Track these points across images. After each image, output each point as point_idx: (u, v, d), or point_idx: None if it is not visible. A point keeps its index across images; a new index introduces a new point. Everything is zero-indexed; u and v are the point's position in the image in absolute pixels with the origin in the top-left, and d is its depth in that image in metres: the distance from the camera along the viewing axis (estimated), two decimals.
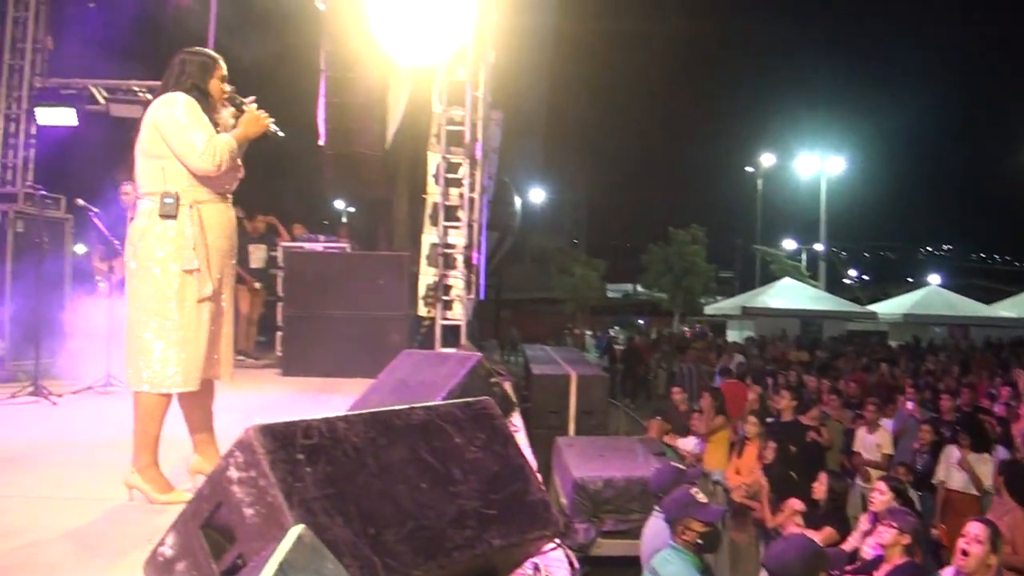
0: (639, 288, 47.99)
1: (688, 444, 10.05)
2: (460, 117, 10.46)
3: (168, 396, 3.94)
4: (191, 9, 12.37)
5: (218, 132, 4.02)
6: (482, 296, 11.84)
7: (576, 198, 59.97)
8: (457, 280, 10.32)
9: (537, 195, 44.86)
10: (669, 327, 37.92)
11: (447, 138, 10.39)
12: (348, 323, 9.64)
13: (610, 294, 50.49)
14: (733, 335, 29.87)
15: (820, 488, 6.82)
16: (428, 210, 10.54)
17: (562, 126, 51.09)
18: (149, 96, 11.86)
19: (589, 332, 36.49)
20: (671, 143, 65.38)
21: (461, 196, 10.40)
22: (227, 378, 4.17)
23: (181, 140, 3.84)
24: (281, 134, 4.12)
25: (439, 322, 10.14)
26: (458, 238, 10.35)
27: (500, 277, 21.85)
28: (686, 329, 37.86)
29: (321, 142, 11.79)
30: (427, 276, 10.41)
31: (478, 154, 10.57)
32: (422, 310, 10.33)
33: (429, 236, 10.45)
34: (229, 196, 4.11)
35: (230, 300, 4.14)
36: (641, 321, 44.62)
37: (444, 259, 10.27)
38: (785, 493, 7.41)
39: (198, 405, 4.14)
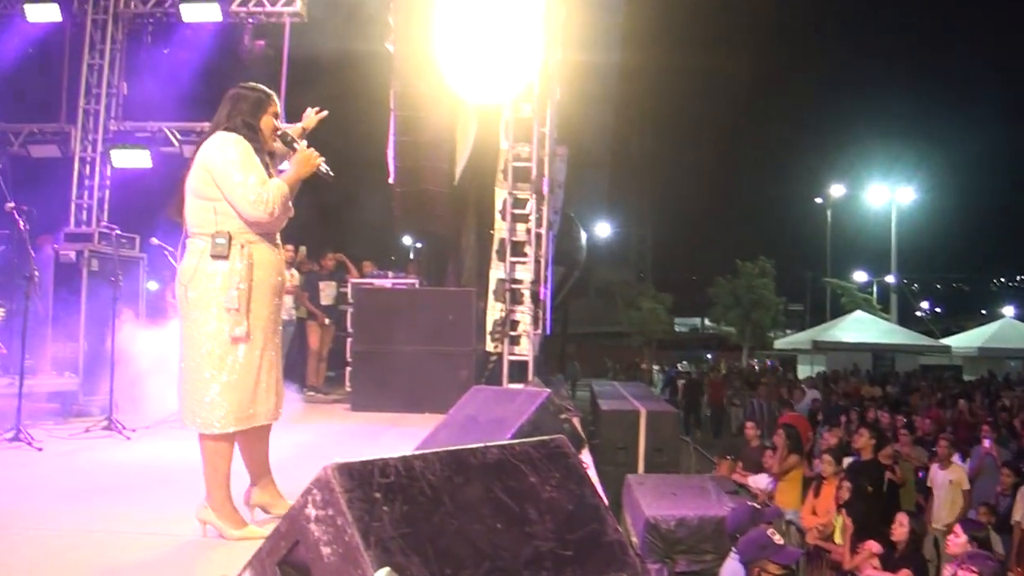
0: (707, 322, 47.43)
1: (760, 482, 9.85)
2: (527, 153, 10.51)
3: (230, 434, 3.92)
4: (264, 53, 12.80)
5: (270, 167, 4.03)
6: (548, 331, 11.71)
7: (641, 232, 59.63)
8: (524, 315, 10.31)
9: (603, 229, 44.87)
10: (738, 361, 37.41)
11: (514, 174, 10.45)
12: (417, 359, 9.67)
13: (677, 328, 50.08)
14: (804, 370, 29.35)
15: (900, 529, 6.62)
16: (495, 246, 10.57)
17: (627, 160, 51.17)
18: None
19: (657, 367, 36.16)
20: (738, 175, 64.47)
21: (528, 231, 10.41)
22: (278, 417, 4.13)
23: (233, 186, 3.83)
24: (331, 175, 4.09)
25: (506, 357, 10.11)
26: (525, 273, 10.35)
27: (566, 311, 21.81)
28: (755, 363, 37.29)
29: (391, 180, 11.92)
30: (494, 311, 10.40)
31: (544, 189, 10.56)
32: (489, 345, 10.30)
33: (496, 271, 10.46)
34: (278, 235, 4.10)
35: (277, 338, 4.10)
36: (709, 356, 44.10)
37: (511, 294, 10.25)
38: (862, 534, 7.19)
39: (256, 439, 4.13)
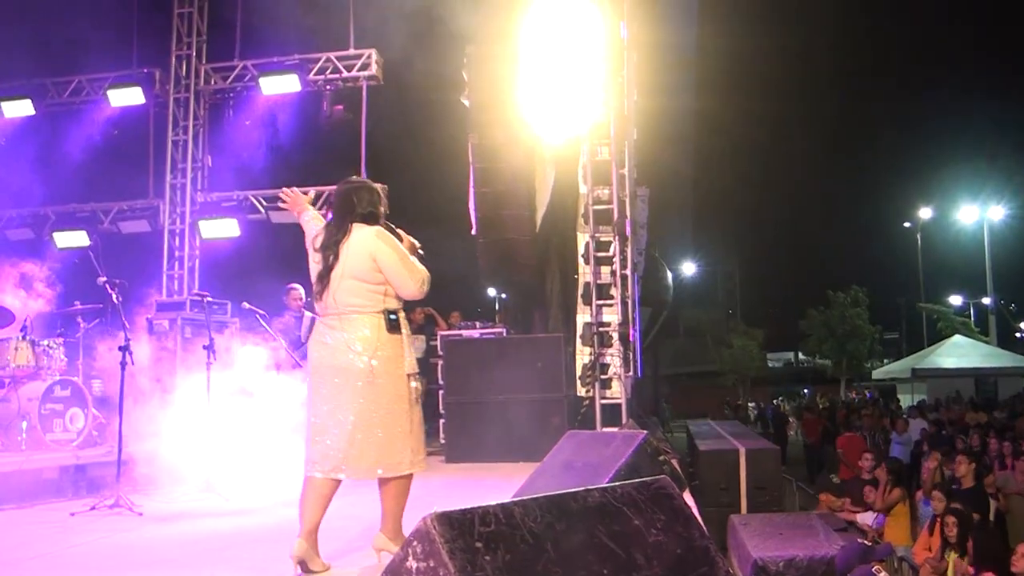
0: (801, 356, 46.33)
1: (868, 518, 9.51)
2: (607, 195, 10.48)
3: (410, 474, 4.39)
4: (344, 117, 13.04)
5: None
6: (640, 373, 11.71)
7: (728, 268, 58.37)
8: (614, 358, 10.22)
9: (688, 268, 44.43)
10: (835, 394, 36.45)
11: (595, 217, 10.42)
12: (508, 407, 9.70)
13: (771, 364, 49.08)
14: (905, 399, 28.40)
15: (1021, 561, 6.27)
16: (580, 290, 10.52)
17: (709, 196, 50.40)
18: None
19: (752, 404, 35.44)
20: (822, 204, 63.43)
21: (612, 274, 10.35)
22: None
23: (400, 273, 4.32)
24: (422, 253, 4.60)
25: (598, 401, 10.04)
26: (612, 316, 10.26)
27: (656, 353, 21.49)
28: (853, 395, 36.26)
29: (473, 231, 12.02)
30: (583, 356, 10.37)
31: (627, 231, 10.55)
32: (581, 390, 10.27)
33: (583, 316, 10.42)
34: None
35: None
36: (805, 390, 43.04)
37: (599, 337, 10.18)
38: (979, 567, 6.86)
39: (403, 490, 4.44)
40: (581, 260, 10.53)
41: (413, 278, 4.35)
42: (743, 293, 59.99)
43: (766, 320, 48.81)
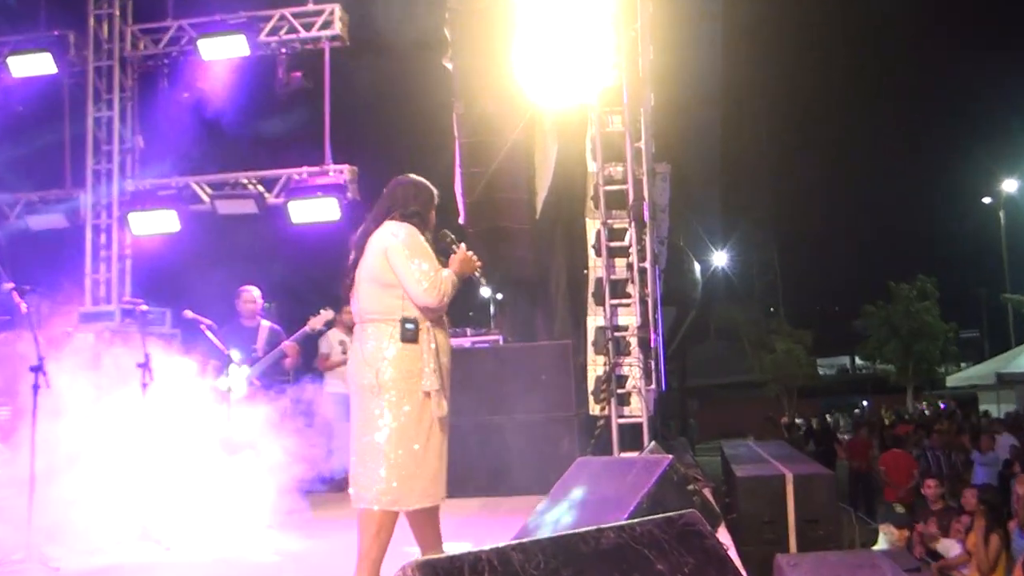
0: (858, 360, 46.20)
1: (952, 548, 9.56)
2: (620, 174, 10.51)
3: (397, 513, 4.65)
4: (302, 86, 12.98)
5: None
6: (664, 386, 11.88)
7: (766, 257, 57.19)
8: (633, 368, 10.23)
9: (719, 258, 44.34)
10: (901, 405, 36.45)
11: (607, 200, 10.45)
12: (508, 430, 9.74)
13: (821, 371, 48.78)
14: (989, 409, 28.38)
15: None
16: (591, 287, 10.56)
17: (743, 173, 50.23)
18: (260, 188, 12.70)
19: (800, 420, 35.20)
20: (879, 181, 62.44)
21: (629, 267, 10.35)
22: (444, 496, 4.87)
23: (408, 272, 4.59)
24: (484, 282, 5.11)
25: (615, 420, 10.07)
26: (629, 318, 10.32)
27: (683, 361, 21.68)
28: (923, 407, 36.28)
29: (461, 220, 12.03)
30: (596, 367, 10.37)
31: (645, 216, 10.53)
32: (594, 408, 10.29)
33: (595, 319, 10.44)
34: (445, 318, 4.87)
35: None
36: (865, 402, 42.97)
37: (615, 344, 10.21)
38: None
39: (428, 522, 4.85)
40: (591, 252, 10.52)
41: (421, 277, 4.59)
42: (786, 287, 58.55)
43: (815, 318, 48.21)
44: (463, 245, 4.94)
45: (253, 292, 9.43)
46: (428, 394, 4.64)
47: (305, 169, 12.50)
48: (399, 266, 4.62)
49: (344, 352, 10.81)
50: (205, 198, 13.19)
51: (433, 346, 4.67)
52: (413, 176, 5.01)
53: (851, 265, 55.00)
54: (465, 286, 4.98)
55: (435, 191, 4.99)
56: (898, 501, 14.11)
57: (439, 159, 12.13)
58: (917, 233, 56.71)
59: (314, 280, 12.37)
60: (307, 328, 9.13)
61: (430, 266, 4.66)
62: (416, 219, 4.78)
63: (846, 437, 24.17)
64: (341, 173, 12.20)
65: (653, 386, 10.54)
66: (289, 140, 12.74)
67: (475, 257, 4.93)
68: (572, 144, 11.25)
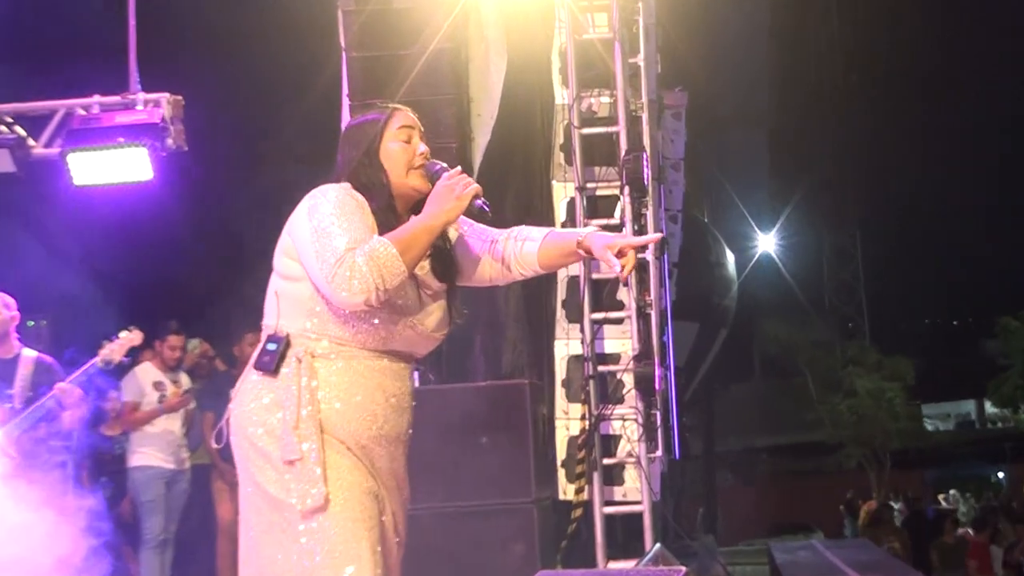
0: (989, 407, 45.31)
1: None
2: (606, 108, 10.58)
3: None
4: None
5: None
6: (677, 452, 11.76)
7: (839, 241, 53.25)
8: (628, 424, 10.22)
9: (766, 243, 42.73)
10: None
11: (585, 151, 10.42)
12: (428, 527, 9.04)
13: (930, 424, 47.06)
14: None
15: None
16: (560, 293, 10.63)
17: (805, 112, 47.82)
18: (20, 130, 12.09)
19: (897, 504, 34.19)
20: (1006, 133, 60.05)
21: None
22: None
23: (311, 248, 4.25)
24: (489, 209, 4.45)
25: (599, 510, 10.01)
26: (622, 342, 10.38)
27: (710, 410, 21.67)
28: None
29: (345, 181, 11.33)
30: (570, 422, 10.41)
31: (646, 176, 10.22)
32: (566, 490, 10.34)
33: (567, 344, 10.52)
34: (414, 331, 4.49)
35: (394, 517, 4.50)
36: (1001, 474, 42.34)
37: (599, 385, 10.21)
38: None
39: None
40: None
41: (323, 262, 4.17)
42: (873, 290, 55.43)
43: (920, 340, 46.20)
44: (457, 170, 4.40)
45: (4, 302, 9.12)
46: (291, 464, 4.20)
47: (97, 99, 11.69)
48: (301, 242, 4.29)
49: (163, 399, 10.95)
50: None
51: (314, 383, 4.27)
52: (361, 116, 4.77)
53: (979, 258, 50.32)
54: None
55: (381, 111, 4.60)
56: None
57: (314, 83, 12.24)
58: None
59: (112, 281, 12.87)
60: (98, 360, 8.95)
61: (347, 238, 4.17)
62: (362, 176, 4.44)
63: (971, 532, 23.60)
64: (156, 106, 11.45)
65: (660, 452, 10.54)
66: (71, 50, 12.81)
67: (466, 180, 4.33)
68: (529, 58, 11.28)
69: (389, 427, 4.47)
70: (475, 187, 4.38)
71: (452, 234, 4.65)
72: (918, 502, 31.29)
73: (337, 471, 4.26)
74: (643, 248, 9.71)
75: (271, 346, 4.36)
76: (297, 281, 4.39)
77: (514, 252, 4.54)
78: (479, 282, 4.69)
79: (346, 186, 4.41)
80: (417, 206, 4.46)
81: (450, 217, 4.38)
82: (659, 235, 9.89)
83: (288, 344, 4.34)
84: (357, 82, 11.23)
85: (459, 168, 4.45)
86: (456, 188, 4.33)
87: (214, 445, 5.11)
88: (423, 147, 4.55)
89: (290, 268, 4.40)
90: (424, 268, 4.45)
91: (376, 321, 4.34)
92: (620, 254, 4.53)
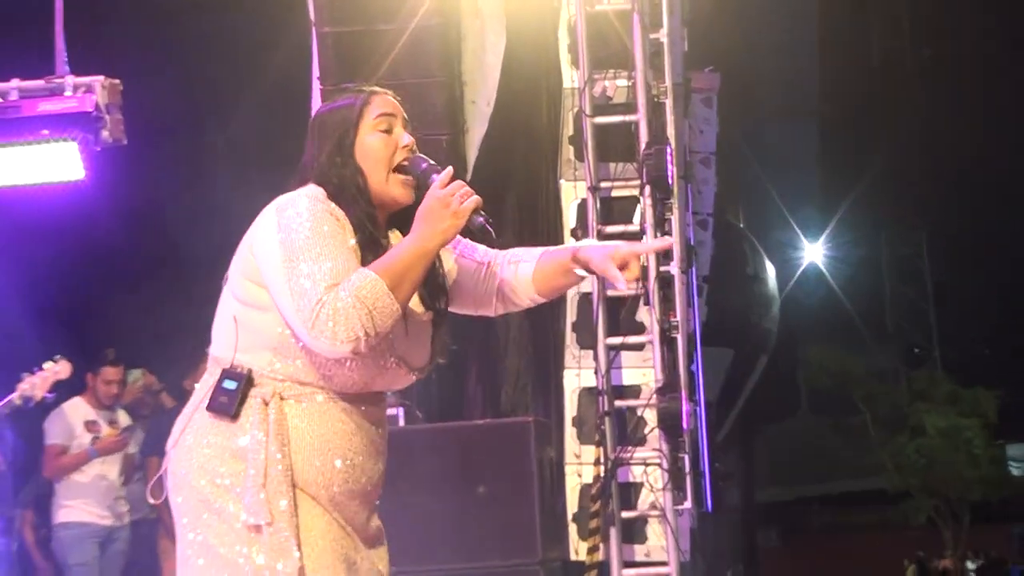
0: None
1: None
2: (624, 94, 10.50)
3: None
4: None
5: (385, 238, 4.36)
6: (709, 504, 11.61)
7: (905, 252, 54.23)
8: (651, 471, 10.10)
9: (813, 252, 42.54)
10: None
11: (598, 144, 10.34)
12: None
13: (1015, 467, 46.65)
14: None
15: None
16: (570, 314, 10.53)
17: (861, 95, 47.35)
18: None
19: (975, 563, 33.94)
20: None
21: (641, 271, 9.40)
22: None
23: (281, 286, 4.08)
24: (491, 227, 4.25)
25: (618, 574, 9.92)
26: (643, 371, 10.28)
27: (749, 453, 21.64)
28: None
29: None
30: (582, 467, 10.33)
31: (670, 175, 10.11)
32: (578, 548, 10.26)
33: (578, 374, 10.40)
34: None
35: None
36: None
37: (617, 424, 10.09)
38: None
39: None
40: (570, 242, 10.03)
41: (301, 299, 4.02)
42: (943, 309, 54.76)
43: (1001, 369, 45.84)
44: (447, 171, 4.14)
45: None
46: (256, 530, 3.99)
47: (16, 84, 11.64)
48: (269, 268, 4.11)
49: (96, 441, 10.80)
50: None
51: (284, 432, 4.10)
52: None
53: None
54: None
55: (356, 96, 4.32)
56: None
57: (277, 65, 12.25)
58: None
59: (36, 301, 12.76)
60: (16, 397, 9.13)
61: (333, 267, 4.00)
62: (333, 178, 4.19)
63: None
64: (87, 92, 11.31)
65: (689, 504, 10.37)
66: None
67: (462, 193, 4.04)
68: (532, 35, 11.41)
69: (366, 478, 4.28)
70: (475, 199, 4.10)
71: (444, 253, 4.40)
72: (1003, 563, 31.37)
73: (309, 533, 4.06)
74: (666, 259, 10.13)
75: (229, 384, 4.10)
76: (262, 311, 4.16)
77: (509, 279, 4.38)
78: (467, 311, 4.51)
79: (318, 193, 4.15)
80: (399, 212, 4.31)
81: (446, 238, 4.14)
82: (668, 240, 9.88)
83: (251, 383, 4.11)
84: (329, 62, 11.18)
85: (451, 170, 4.13)
86: (452, 201, 4.06)
87: (150, 500, 4.34)
88: (407, 138, 4.26)
89: (253, 295, 4.19)
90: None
91: (359, 362, 4.11)
92: (624, 266, 4.25)
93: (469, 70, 11.43)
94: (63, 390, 10.13)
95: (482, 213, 4.13)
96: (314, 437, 4.14)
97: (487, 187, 11.43)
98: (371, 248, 4.15)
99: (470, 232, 4.22)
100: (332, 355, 4.03)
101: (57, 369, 9.11)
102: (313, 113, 4.63)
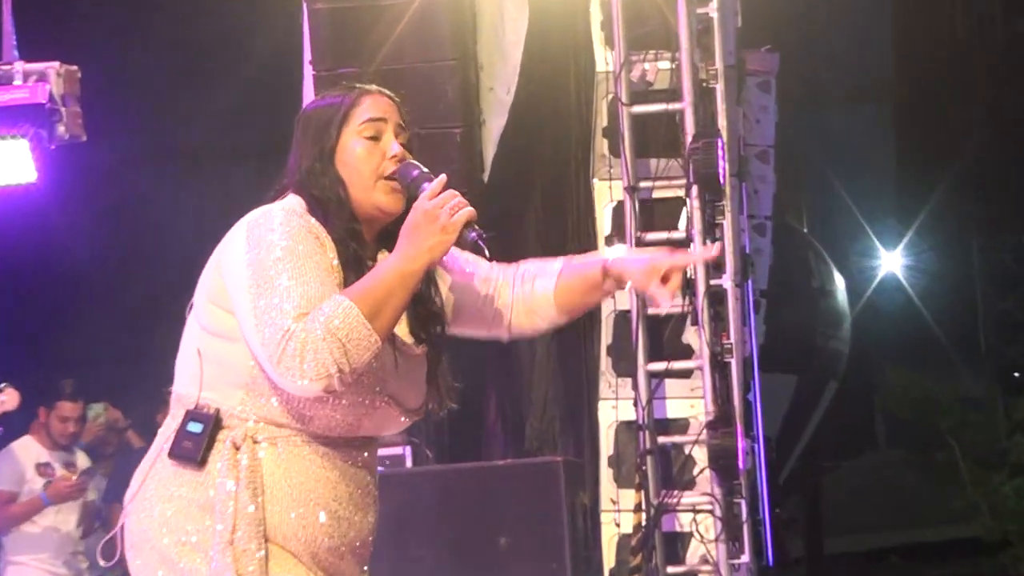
0: None
1: None
2: (666, 78, 10.29)
3: None
4: None
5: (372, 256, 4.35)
6: (770, 558, 11.66)
7: (999, 260, 52.57)
8: (702, 518, 9.95)
9: (891, 261, 41.81)
10: None
11: (636, 136, 10.16)
12: None
13: None
14: None
15: None
16: (605, 336, 10.38)
17: (947, 86, 46.63)
18: None
19: None
20: None
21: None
22: None
23: (247, 313, 4.04)
24: (484, 243, 4.19)
25: None
26: (692, 403, 10.17)
27: (815, 494, 21.58)
28: None
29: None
30: (621, 515, 10.20)
31: (722, 173, 9.91)
32: None
33: (615, 405, 10.30)
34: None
35: None
36: None
37: (662, 464, 10.01)
38: None
39: None
40: (604, 251, 9.84)
41: (269, 331, 3.97)
42: None
43: None
44: (439, 179, 4.11)
45: None
46: None
47: None
48: (236, 291, 4.07)
49: (47, 487, 10.81)
50: None
51: (257, 481, 4.01)
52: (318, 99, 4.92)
53: None
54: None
55: (345, 95, 4.33)
56: None
57: (262, 46, 12.60)
58: None
59: None
60: None
61: (304, 294, 3.95)
62: (314, 190, 4.17)
63: None
64: (41, 80, 11.30)
65: (747, 557, 10.19)
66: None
67: (452, 202, 4.00)
68: (560, 10, 11.26)
69: (354, 533, 4.21)
70: (467, 211, 4.06)
71: (439, 272, 4.35)
72: None
73: None
74: (717, 271, 9.97)
75: (194, 427, 4.06)
76: (231, 342, 4.10)
77: (523, 297, 4.30)
78: (474, 335, 4.43)
79: (296, 205, 4.12)
80: (391, 227, 4.21)
81: (434, 256, 4.03)
82: (719, 248, 9.85)
83: (219, 425, 4.03)
84: (323, 43, 11.04)
85: (444, 178, 4.08)
86: (441, 214, 4.01)
87: (102, 563, 4.30)
88: (396, 147, 4.14)
89: (220, 322, 4.13)
90: (401, 322, 4.09)
91: (342, 401, 3.98)
92: (667, 279, 4.22)
93: (486, 51, 11.23)
94: (11, 425, 10.01)
95: (476, 227, 4.08)
96: (292, 486, 4.05)
97: (507, 188, 12.27)
98: (354, 268, 4.10)
99: (462, 249, 4.25)
100: (302, 394, 3.93)
101: (3, 399, 9.08)
102: (304, 107, 4.70)
